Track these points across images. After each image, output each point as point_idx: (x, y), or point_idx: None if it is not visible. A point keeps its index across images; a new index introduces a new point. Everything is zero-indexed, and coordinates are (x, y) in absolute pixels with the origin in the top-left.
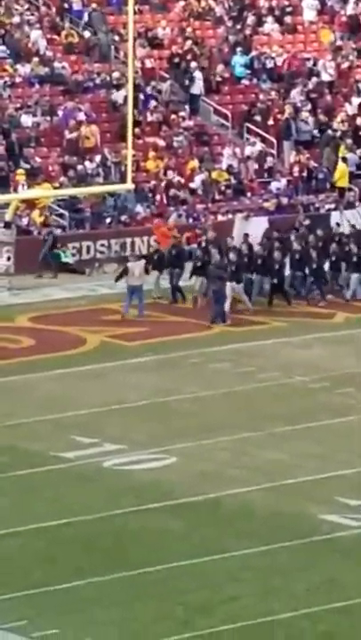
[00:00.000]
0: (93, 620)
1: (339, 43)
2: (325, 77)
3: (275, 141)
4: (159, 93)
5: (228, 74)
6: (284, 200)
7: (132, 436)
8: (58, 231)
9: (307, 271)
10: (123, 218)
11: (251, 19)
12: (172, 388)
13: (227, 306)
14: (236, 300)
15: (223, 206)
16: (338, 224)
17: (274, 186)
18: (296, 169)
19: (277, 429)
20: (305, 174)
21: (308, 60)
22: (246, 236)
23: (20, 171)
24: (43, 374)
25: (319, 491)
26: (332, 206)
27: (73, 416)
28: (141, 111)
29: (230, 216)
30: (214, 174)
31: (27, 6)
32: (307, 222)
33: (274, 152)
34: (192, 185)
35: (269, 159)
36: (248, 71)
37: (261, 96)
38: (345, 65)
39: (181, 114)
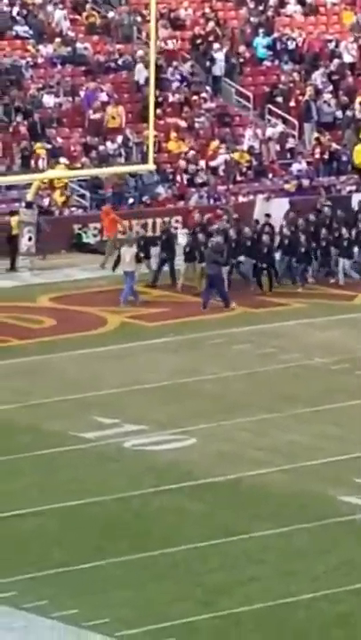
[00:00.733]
0: (112, 600)
1: None
2: (347, 59)
3: (296, 123)
4: (181, 75)
5: (250, 55)
6: (305, 182)
7: (152, 416)
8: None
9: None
10: (144, 198)
11: (273, 0)
12: (193, 369)
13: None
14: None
15: (244, 187)
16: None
17: (295, 167)
18: (317, 150)
19: (298, 411)
20: (326, 156)
21: (330, 41)
22: (268, 216)
23: (38, 145)
24: (64, 354)
25: (339, 472)
26: (353, 188)
27: (93, 396)
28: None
29: (251, 197)
30: (236, 155)
31: None
32: (328, 204)
33: (295, 133)
34: (213, 165)
35: (291, 140)
36: (270, 52)
37: (283, 77)
38: None
39: (203, 95)
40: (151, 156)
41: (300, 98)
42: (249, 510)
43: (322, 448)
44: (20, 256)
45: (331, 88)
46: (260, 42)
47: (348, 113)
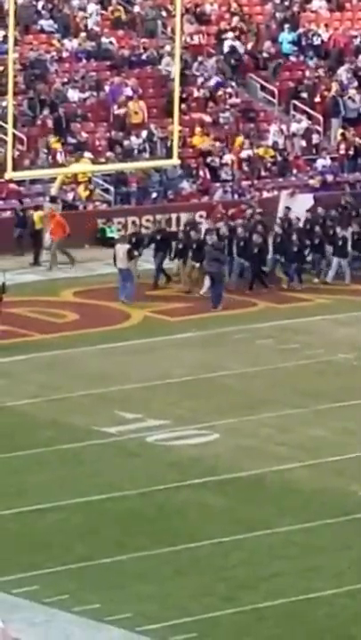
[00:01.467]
0: (135, 594)
1: None
2: None
3: (321, 118)
4: (205, 70)
5: (275, 50)
6: (330, 177)
7: (175, 411)
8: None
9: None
10: (168, 193)
11: None
12: (216, 365)
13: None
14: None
15: (268, 183)
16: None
17: (320, 163)
18: (342, 146)
19: (321, 406)
20: (351, 152)
21: (356, 37)
22: (288, 209)
23: (54, 139)
24: (87, 349)
25: None
26: None
27: (116, 391)
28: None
29: (275, 193)
30: (260, 151)
31: None
32: (350, 200)
33: (320, 129)
34: (237, 160)
35: (315, 136)
36: (295, 48)
37: (308, 73)
38: None
39: (228, 90)
40: (176, 150)
41: (326, 94)
42: (272, 506)
43: (345, 444)
44: (43, 250)
45: (356, 84)
46: (286, 37)
47: None
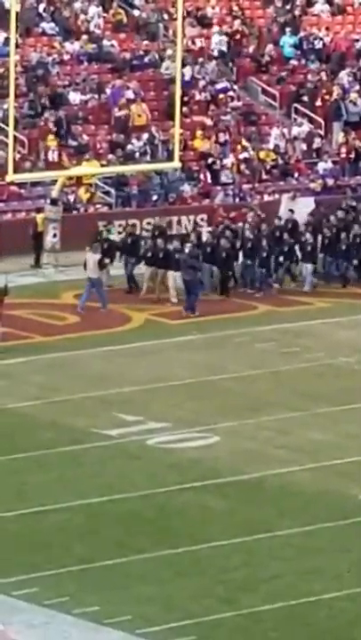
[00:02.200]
0: (134, 597)
1: None
2: None
3: (322, 122)
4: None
5: (276, 54)
6: (330, 181)
7: (175, 414)
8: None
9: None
10: (169, 196)
11: None
12: (217, 367)
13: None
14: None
15: (270, 186)
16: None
17: (321, 167)
18: (343, 150)
19: (321, 410)
20: (352, 155)
21: (357, 41)
22: (291, 212)
23: (50, 137)
24: (88, 351)
25: None
26: None
27: (117, 393)
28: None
29: (277, 196)
30: (261, 154)
31: None
32: (353, 204)
33: (321, 133)
34: (236, 163)
35: (317, 140)
36: (297, 51)
37: (310, 76)
38: None
39: (229, 93)
40: (177, 153)
41: (327, 97)
42: (272, 508)
43: (346, 447)
44: (44, 252)
45: (357, 87)
46: (287, 41)
47: None
